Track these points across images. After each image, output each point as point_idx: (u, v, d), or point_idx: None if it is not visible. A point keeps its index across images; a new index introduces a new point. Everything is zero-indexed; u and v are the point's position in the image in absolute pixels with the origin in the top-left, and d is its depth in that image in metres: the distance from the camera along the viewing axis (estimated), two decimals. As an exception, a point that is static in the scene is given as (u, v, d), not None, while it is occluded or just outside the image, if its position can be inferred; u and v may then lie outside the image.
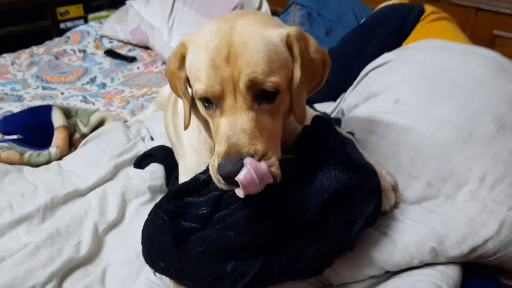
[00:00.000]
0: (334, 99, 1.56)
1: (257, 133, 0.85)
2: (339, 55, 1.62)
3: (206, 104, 0.91)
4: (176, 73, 0.98)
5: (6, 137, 1.65)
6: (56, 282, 1.07)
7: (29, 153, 1.52)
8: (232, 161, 0.82)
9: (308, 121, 1.08)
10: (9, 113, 1.84)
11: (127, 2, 2.71)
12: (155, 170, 1.38)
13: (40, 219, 1.28)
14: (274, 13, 2.35)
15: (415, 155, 1.09)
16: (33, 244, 1.12)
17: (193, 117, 1.06)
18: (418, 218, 1.04)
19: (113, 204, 1.28)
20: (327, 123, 1.07)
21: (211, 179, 1.02)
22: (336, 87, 1.58)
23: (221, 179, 0.85)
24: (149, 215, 1.01)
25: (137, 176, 1.36)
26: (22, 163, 1.51)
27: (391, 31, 1.54)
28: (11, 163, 1.51)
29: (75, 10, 3.72)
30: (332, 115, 1.51)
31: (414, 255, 0.99)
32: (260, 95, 0.87)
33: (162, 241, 0.91)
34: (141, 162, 1.44)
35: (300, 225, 0.91)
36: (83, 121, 1.65)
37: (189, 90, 1.01)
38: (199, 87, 0.89)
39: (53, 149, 1.55)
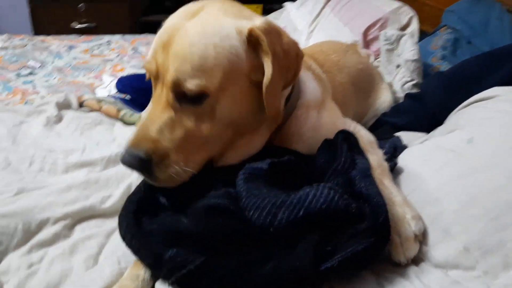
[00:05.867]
0: (429, 130, 1.31)
1: (168, 130, 0.82)
2: (445, 80, 1.35)
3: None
4: None
5: (119, 94, 1.83)
6: (70, 222, 1.13)
7: (124, 111, 1.66)
8: (129, 154, 0.81)
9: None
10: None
11: (284, 3, 2.77)
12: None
13: (102, 168, 1.38)
14: (424, 34, 2.11)
15: (462, 209, 0.84)
16: (68, 183, 1.21)
17: None
18: (433, 286, 0.80)
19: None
20: (348, 141, 0.91)
21: None
22: (431, 115, 1.32)
23: None
24: None
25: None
26: (117, 118, 1.66)
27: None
28: (108, 115, 1.67)
29: (255, 9, 3.94)
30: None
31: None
32: (185, 95, 0.82)
33: (127, 208, 0.90)
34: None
35: (262, 235, 0.78)
36: (180, 95, 1.73)
37: None
38: (145, 62, 0.88)
39: (144, 114, 1.65)
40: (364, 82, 1.51)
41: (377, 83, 1.59)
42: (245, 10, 0.90)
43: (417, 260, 0.86)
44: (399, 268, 0.85)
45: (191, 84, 0.80)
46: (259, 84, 0.85)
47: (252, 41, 0.83)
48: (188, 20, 0.83)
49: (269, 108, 0.86)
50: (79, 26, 3.38)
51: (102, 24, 3.44)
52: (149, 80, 1.75)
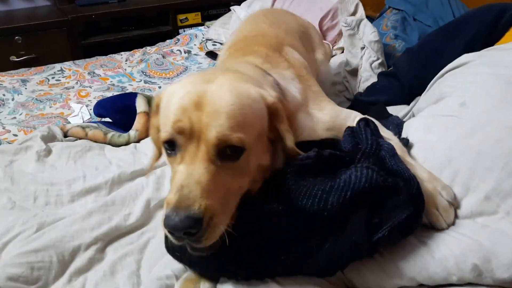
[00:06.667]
0: (407, 103, 1.45)
1: (212, 188, 0.79)
2: (414, 55, 1.50)
3: (168, 152, 0.88)
4: (151, 121, 1.00)
5: (97, 118, 1.83)
6: (101, 245, 1.15)
7: (111, 134, 1.67)
8: (180, 216, 0.75)
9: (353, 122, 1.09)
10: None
11: (231, 7, 2.85)
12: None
13: (107, 191, 1.39)
14: (369, 18, 2.27)
15: (474, 164, 0.97)
16: (87, 209, 1.22)
17: None
18: (466, 232, 0.92)
19: (167, 184, 1.34)
20: (370, 127, 1.02)
21: None
22: (408, 89, 1.47)
23: (166, 230, 0.80)
24: None
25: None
26: (105, 142, 1.66)
27: (479, 31, 1.38)
28: (95, 141, 1.67)
29: (194, 17, 4.00)
30: (405, 119, 1.41)
31: (452, 271, 0.88)
32: (224, 150, 0.82)
33: None
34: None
35: (317, 220, 0.86)
36: (163, 109, 1.76)
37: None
38: (165, 129, 0.85)
39: (132, 132, 1.67)
40: (306, 41, 1.61)
41: (314, 40, 1.70)
42: (250, 78, 0.97)
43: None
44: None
45: (235, 138, 0.81)
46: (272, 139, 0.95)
47: (270, 110, 0.91)
48: (207, 85, 0.85)
49: (293, 156, 0.95)
50: (19, 59, 3.27)
51: (42, 54, 3.35)
52: (128, 100, 1.78)
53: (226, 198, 0.83)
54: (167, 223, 0.77)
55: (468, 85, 1.12)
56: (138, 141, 1.68)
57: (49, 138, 1.64)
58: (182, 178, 0.80)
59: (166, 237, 1.01)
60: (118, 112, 1.74)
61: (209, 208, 0.77)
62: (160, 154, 1.04)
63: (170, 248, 0.98)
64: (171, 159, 0.88)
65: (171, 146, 0.86)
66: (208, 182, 0.79)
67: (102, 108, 1.77)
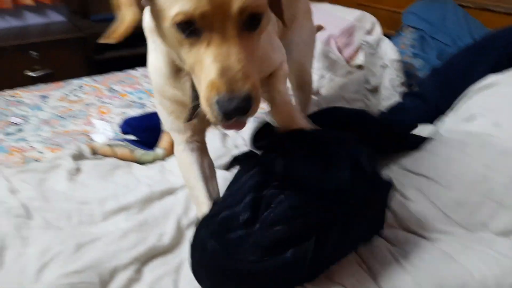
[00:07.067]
0: (431, 122, 1.48)
1: (250, 63, 0.80)
2: (441, 75, 1.53)
3: (183, 32, 0.80)
4: None
5: (125, 136, 1.87)
6: (137, 266, 1.17)
7: (138, 152, 1.70)
8: (236, 100, 0.77)
9: None
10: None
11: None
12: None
13: (138, 209, 1.41)
14: (386, 36, 2.30)
15: (510, 182, 1.00)
16: (123, 229, 1.25)
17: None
18: (504, 251, 0.94)
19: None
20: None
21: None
22: (434, 109, 1.49)
23: (220, 114, 0.79)
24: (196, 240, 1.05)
25: (221, 177, 1.43)
26: (132, 160, 1.70)
27: (505, 51, 1.41)
28: (123, 159, 1.70)
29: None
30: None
31: (492, 290, 0.90)
32: (247, 21, 0.79)
33: (217, 265, 0.96)
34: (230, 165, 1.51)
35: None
36: (188, 127, 1.79)
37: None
38: (181, 8, 0.76)
39: (159, 150, 1.71)
40: None
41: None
42: None
43: (478, 231, 1.00)
44: (467, 242, 0.98)
45: (259, 4, 0.79)
46: None
47: None
48: None
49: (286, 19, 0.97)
50: (34, 74, 3.31)
51: (57, 69, 3.39)
52: (155, 119, 1.81)
53: (256, 63, 0.85)
54: (225, 109, 0.78)
55: (500, 106, 1.16)
56: (164, 159, 1.71)
57: (78, 156, 1.67)
58: (221, 59, 0.78)
59: (193, 262, 1.03)
60: (144, 131, 1.78)
61: (254, 83, 0.80)
62: (135, 20, 0.89)
63: (204, 279, 1.01)
64: (190, 41, 0.81)
65: (187, 27, 0.79)
66: (245, 59, 0.79)
67: (129, 126, 1.80)
